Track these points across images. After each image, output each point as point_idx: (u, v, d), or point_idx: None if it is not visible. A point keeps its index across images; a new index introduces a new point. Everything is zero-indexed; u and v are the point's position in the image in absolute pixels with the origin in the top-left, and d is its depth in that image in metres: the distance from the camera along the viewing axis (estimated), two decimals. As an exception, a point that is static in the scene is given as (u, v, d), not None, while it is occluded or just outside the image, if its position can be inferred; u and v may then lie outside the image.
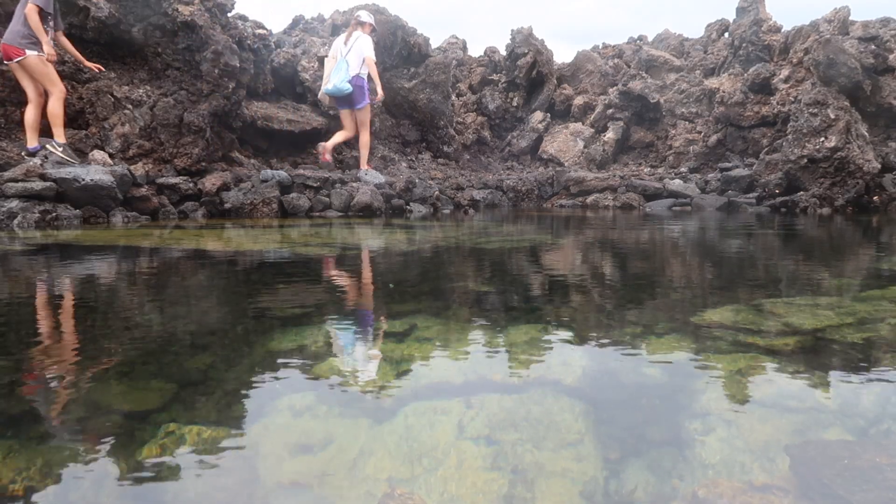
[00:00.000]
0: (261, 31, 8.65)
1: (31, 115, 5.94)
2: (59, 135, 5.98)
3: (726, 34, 12.16)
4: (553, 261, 3.77)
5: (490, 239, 4.79)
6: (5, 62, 5.95)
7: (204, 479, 1.04)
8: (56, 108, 5.95)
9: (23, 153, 5.93)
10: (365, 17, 8.06)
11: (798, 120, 8.06)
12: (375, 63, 7.81)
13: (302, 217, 6.59)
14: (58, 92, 5.96)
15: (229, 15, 7.39)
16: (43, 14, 5.83)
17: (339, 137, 8.16)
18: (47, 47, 5.85)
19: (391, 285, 2.81)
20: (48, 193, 5.21)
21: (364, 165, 8.22)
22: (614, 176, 9.65)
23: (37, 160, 5.64)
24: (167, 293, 2.63)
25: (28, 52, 5.78)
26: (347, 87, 7.69)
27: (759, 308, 2.18)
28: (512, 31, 12.05)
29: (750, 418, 1.28)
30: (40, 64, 5.85)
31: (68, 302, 2.38)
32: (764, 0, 11.28)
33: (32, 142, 5.95)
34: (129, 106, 6.60)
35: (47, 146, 5.92)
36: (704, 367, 1.59)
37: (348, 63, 7.70)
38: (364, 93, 7.87)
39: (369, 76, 7.89)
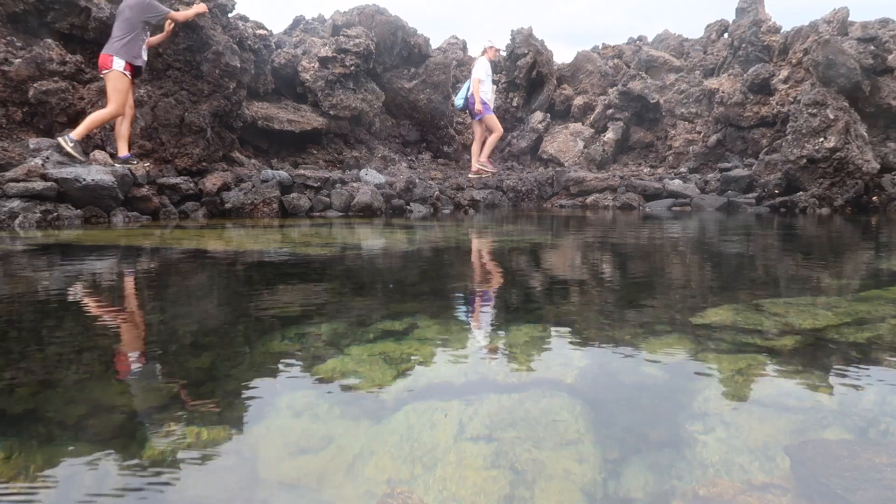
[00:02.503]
0: (261, 31, 8.66)
1: (122, 127, 6.13)
2: (79, 133, 5.98)
3: (726, 35, 12.17)
4: (553, 261, 3.77)
5: (490, 239, 4.79)
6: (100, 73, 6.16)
7: (204, 478, 1.05)
8: (100, 117, 6.03)
9: (115, 161, 6.07)
10: (488, 42, 9.92)
11: (797, 120, 8.07)
12: (480, 81, 9.52)
13: (302, 217, 6.60)
14: (113, 110, 6.02)
15: (230, 15, 7.39)
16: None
17: (474, 146, 9.94)
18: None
19: (391, 285, 2.82)
20: (49, 193, 5.21)
21: (484, 159, 9.83)
22: (614, 176, 9.65)
23: (38, 161, 5.64)
24: (168, 293, 2.63)
25: (114, 66, 5.95)
26: (461, 103, 9.76)
27: (759, 308, 2.18)
28: (512, 31, 12.05)
29: (749, 418, 1.29)
30: (118, 80, 5.97)
31: (69, 302, 2.39)
32: (763, 1, 11.28)
33: (123, 151, 6.13)
34: (130, 106, 6.60)
35: (60, 139, 5.93)
36: (704, 367, 1.59)
37: (470, 83, 9.62)
38: (482, 107, 9.51)
39: (495, 90, 9.91)
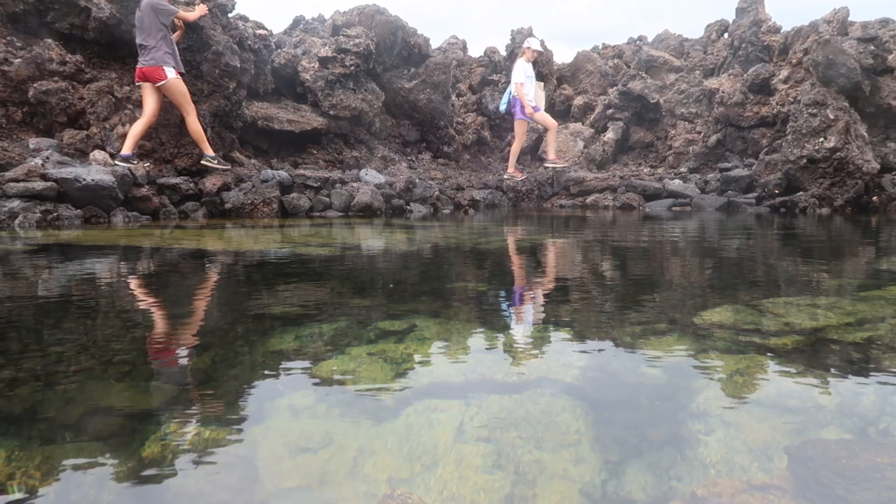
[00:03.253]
0: (261, 31, 8.66)
1: (139, 127, 6.23)
2: (208, 148, 6.51)
3: (726, 34, 12.17)
4: (553, 261, 3.77)
5: (490, 239, 4.79)
6: (137, 83, 6.30)
7: (204, 478, 1.05)
8: (196, 126, 6.38)
9: (116, 159, 6.10)
10: (526, 43, 9.76)
11: (797, 120, 8.07)
12: (521, 84, 9.44)
13: (302, 217, 6.60)
14: (192, 112, 6.36)
15: (230, 15, 7.39)
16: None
17: (549, 136, 10.05)
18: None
19: (391, 285, 2.82)
20: (49, 193, 5.21)
21: (511, 169, 9.86)
22: (614, 176, 9.66)
23: (38, 161, 5.64)
24: (167, 293, 2.63)
25: (168, 74, 6.15)
26: (503, 107, 10.00)
27: (759, 308, 2.18)
28: (512, 31, 12.06)
29: (749, 418, 1.29)
30: (179, 85, 6.24)
31: (68, 302, 2.39)
32: (763, 1, 11.29)
33: (126, 150, 6.16)
34: (130, 106, 6.61)
35: (202, 161, 6.50)
36: (704, 367, 1.59)
37: (511, 88, 9.66)
38: (516, 110, 9.59)
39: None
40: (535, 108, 9.58)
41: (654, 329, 1.95)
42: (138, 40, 6.16)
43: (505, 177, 9.73)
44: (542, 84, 10.43)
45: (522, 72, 9.49)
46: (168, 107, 6.59)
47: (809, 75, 8.94)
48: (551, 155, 9.97)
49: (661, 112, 11.16)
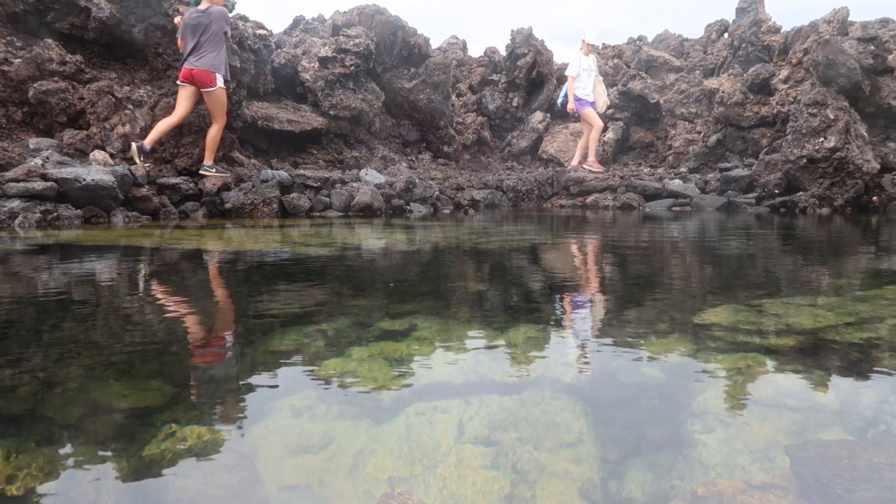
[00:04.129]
0: (261, 31, 8.65)
1: (165, 125, 6.30)
2: (210, 158, 6.55)
3: (726, 34, 12.18)
4: (553, 261, 3.77)
5: (490, 239, 4.79)
6: (181, 82, 6.33)
7: (204, 478, 1.05)
8: (216, 136, 6.47)
9: (135, 144, 6.19)
10: (581, 36, 9.73)
11: (797, 120, 8.07)
12: (573, 77, 9.56)
13: (302, 217, 6.60)
14: (222, 122, 6.47)
15: (230, 15, 7.39)
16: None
17: (581, 142, 10.12)
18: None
19: (391, 285, 2.82)
20: (49, 193, 5.21)
21: (591, 159, 9.91)
22: (614, 176, 9.65)
23: (38, 161, 5.64)
24: (168, 293, 2.63)
25: (218, 83, 6.28)
26: (560, 100, 10.08)
27: (759, 308, 2.18)
28: (512, 31, 12.06)
29: (749, 418, 1.29)
30: (222, 95, 6.39)
31: (69, 301, 2.38)
32: (763, 1, 11.29)
33: (149, 143, 6.25)
34: (130, 106, 6.61)
35: (201, 171, 6.51)
36: (704, 367, 1.59)
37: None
38: (576, 103, 9.64)
39: (595, 88, 9.80)
40: (585, 104, 9.56)
41: (655, 329, 1.95)
42: (195, 42, 6.16)
43: (587, 167, 9.68)
44: (602, 78, 10.19)
45: (577, 65, 9.53)
46: (168, 106, 6.59)
47: (809, 75, 8.94)
48: (591, 158, 9.90)
49: (661, 112, 11.16)
